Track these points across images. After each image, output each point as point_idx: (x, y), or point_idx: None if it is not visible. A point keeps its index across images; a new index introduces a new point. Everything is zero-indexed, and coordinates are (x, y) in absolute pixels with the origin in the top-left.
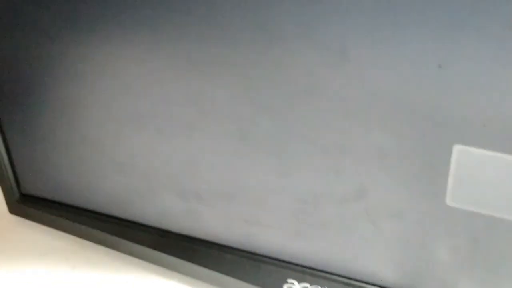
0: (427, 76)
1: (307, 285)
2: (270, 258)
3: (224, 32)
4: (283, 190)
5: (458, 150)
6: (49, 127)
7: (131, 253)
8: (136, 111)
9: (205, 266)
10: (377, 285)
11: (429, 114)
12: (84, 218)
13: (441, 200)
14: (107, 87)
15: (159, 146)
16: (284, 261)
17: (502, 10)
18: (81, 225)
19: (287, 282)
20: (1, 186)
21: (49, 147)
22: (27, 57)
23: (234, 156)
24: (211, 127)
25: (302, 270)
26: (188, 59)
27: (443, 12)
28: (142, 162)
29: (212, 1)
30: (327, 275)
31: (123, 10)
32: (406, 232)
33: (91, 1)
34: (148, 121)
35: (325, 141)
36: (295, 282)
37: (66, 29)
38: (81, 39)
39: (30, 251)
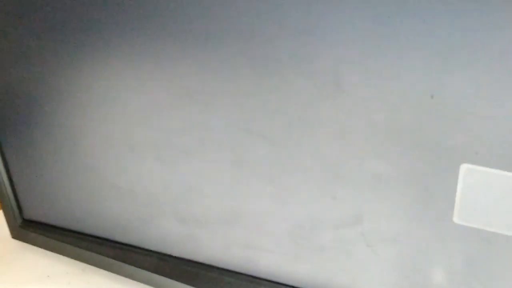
0: (421, 105)
1: None
2: (269, 281)
3: (221, 64)
4: (281, 215)
5: (464, 168)
6: (50, 154)
7: (132, 277)
8: (136, 139)
9: None
10: None
11: (423, 141)
12: (86, 242)
13: (448, 218)
14: (108, 116)
15: (159, 173)
16: (282, 284)
17: (489, 45)
18: (82, 250)
19: None
20: (3, 212)
21: (50, 173)
22: (30, 86)
23: (232, 182)
24: (209, 155)
25: None
26: (186, 90)
27: (435, 45)
28: (142, 188)
29: (210, 34)
30: None
31: (124, 42)
32: (403, 255)
33: (93, 33)
34: (147, 149)
35: (321, 168)
36: None
37: (68, 60)
38: (83, 69)
39: (33, 275)
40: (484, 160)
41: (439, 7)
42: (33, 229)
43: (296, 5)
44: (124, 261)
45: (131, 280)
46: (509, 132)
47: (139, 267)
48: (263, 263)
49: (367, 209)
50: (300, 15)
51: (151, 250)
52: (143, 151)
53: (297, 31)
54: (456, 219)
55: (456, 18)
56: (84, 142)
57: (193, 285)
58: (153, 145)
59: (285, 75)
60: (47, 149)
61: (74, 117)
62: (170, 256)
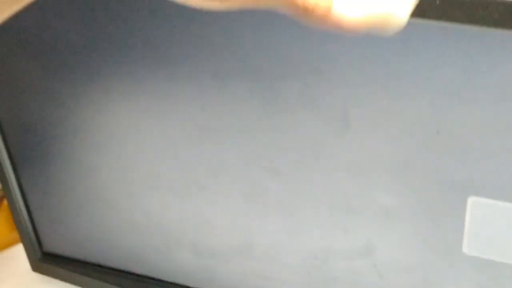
0: (427, 141)
1: None
2: None
3: (232, 102)
4: (294, 247)
5: (472, 201)
6: (68, 190)
7: None
8: (151, 173)
9: None
10: None
11: (431, 175)
12: (104, 274)
13: (458, 249)
14: (124, 153)
15: (174, 206)
16: None
17: (491, 82)
18: (101, 282)
19: None
20: (24, 245)
21: (69, 208)
22: (48, 124)
23: (246, 215)
24: (222, 188)
25: None
26: (200, 127)
27: (439, 83)
28: (158, 222)
29: (221, 73)
30: None
31: (139, 82)
32: (416, 285)
33: (110, 73)
34: (162, 182)
35: (331, 201)
36: None
37: (87, 101)
38: (101, 109)
39: None
40: (491, 192)
41: (443, 48)
42: (53, 262)
43: (304, 46)
44: None
45: None
46: None
47: None
48: None
49: (378, 240)
50: (308, 55)
51: (168, 282)
52: (158, 186)
53: (305, 71)
54: (465, 249)
55: (459, 57)
56: (101, 178)
57: None
58: (168, 179)
59: (295, 113)
60: (65, 184)
61: (91, 154)
62: (186, 287)
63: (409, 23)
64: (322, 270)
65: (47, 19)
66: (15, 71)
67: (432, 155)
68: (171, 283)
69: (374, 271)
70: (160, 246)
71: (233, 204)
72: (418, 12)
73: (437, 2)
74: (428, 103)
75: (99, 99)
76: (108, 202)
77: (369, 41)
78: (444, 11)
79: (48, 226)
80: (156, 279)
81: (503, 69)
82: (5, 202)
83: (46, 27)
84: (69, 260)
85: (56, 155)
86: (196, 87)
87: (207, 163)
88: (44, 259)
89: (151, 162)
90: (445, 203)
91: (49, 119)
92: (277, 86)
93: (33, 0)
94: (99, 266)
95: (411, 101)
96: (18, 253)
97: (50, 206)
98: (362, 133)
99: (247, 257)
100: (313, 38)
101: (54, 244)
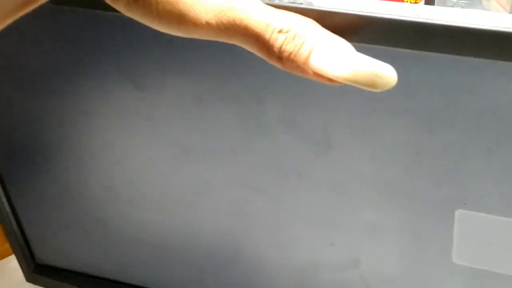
0: (407, 161)
1: None
2: None
3: (217, 125)
4: (282, 260)
5: (459, 214)
6: (58, 206)
7: None
8: (139, 192)
9: None
10: None
11: (413, 193)
12: (97, 285)
13: (448, 259)
14: (112, 170)
15: (162, 223)
16: None
17: (467, 107)
18: None
19: None
20: (16, 257)
21: (59, 221)
22: (34, 143)
23: (233, 231)
24: (208, 207)
25: None
26: (184, 148)
27: (418, 107)
28: (147, 235)
29: (204, 97)
30: None
31: (124, 105)
32: None
33: (90, 96)
34: (151, 202)
35: (317, 217)
36: None
37: (73, 121)
38: (89, 133)
39: None
40: (475, 206)
41: (420, 73)
42: (46, 273)
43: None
44: None
45: None
46: (493, 183)
47: None
48: None
49: (365, 253)
50: (289, 78)
51: None
52: (146, 204)
53: (286, 94)
54: (455, 259)
55: (436, 82)
56: (89, 195)
57: None
58: (155, 198)
59: (277, 135)
60: (54, 200)
61: (80, 173)
62: None
63: (386, 50)
64: (311, 282)
65: (24, 43)
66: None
67: (414, 174)
68: None
69: (362, 283)
70: (151, 259)
71: (220, 220)
72: (394, 42)
73: (411, 32)
74: (407, 126)
75: (88, 123)
76: (99, 219)
77: None
78: (417, 40)
79: (40, 240)
80: None
81: (476, 95)
82: None
83: (22, 52)
84: (63, 271)
85: (47, 172)
86: (179, 111)
87: (193, 183)
88: (38, 271)
89: (139, 182)
90: (431, 218)
91: (33, 139)
92: (258, 109)
93: (12, 21)
94: (92, 276)
95: (389, 123)
96: (13, 264)
97: (42, 220)
98: (344, 153)
99: (236, 270)
100: None
101: (47, 256)
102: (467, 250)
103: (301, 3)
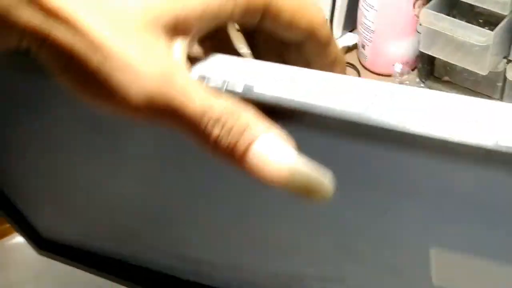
0: (376, 220)
1: None
2: None
3: None
4: (268, 269)
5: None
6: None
7: None
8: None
9: None
10: None
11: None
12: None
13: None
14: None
15: (158, 231)
16: None
17: (422, 187)
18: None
19: None
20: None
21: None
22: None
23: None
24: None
25: None
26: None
27: (377, 186)
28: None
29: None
30: None
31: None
32: None
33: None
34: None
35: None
36: None
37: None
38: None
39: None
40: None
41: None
42: (53, 250)
43: None
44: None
45: None
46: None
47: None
48: None
49: (349, 274)
50: None
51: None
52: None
53: None
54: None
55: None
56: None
57: None
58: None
59: None
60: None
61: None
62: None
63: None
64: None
65: None
66: None
67: (382, 232)
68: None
69: None
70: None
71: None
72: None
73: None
74: (375, 186)
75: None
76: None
77: None
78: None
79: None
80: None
81: (428, 179)
82: None
83: None
84: (69, 247)
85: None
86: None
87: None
88: (45, 246)
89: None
90: (409, 255)
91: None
92: None
93: None
94: (98, 255)
95: (358, 184)
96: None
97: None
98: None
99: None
100: None
101: (53, 232)
102: (447, 279)
103: (241, 89)
